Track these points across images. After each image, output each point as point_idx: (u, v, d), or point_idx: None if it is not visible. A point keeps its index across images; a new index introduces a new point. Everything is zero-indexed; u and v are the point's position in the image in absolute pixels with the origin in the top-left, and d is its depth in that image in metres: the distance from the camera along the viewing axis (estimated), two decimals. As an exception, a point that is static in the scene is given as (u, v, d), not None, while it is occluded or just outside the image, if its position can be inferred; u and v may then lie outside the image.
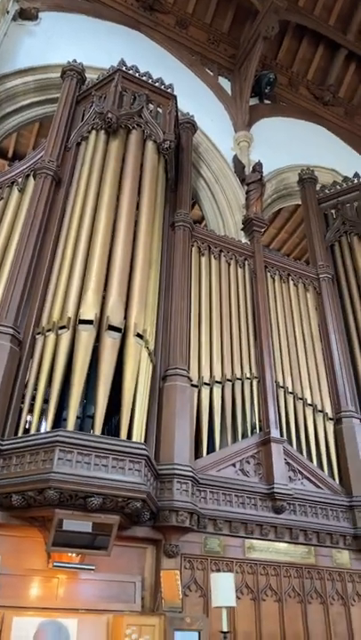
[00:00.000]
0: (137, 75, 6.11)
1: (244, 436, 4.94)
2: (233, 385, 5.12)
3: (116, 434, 3.69)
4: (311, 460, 5.11)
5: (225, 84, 8.98)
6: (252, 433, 4.98)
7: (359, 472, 5.06)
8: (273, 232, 12.50)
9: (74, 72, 6.27)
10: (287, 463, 4.84)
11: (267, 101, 9.39)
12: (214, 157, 7.72)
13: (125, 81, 5.96)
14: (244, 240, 6.68)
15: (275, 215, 11.99)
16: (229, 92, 8.88)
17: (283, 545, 4.36)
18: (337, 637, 4.15)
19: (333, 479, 5.09)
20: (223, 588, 3.09)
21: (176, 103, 6.32)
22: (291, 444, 5.08)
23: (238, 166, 7.67)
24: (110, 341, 3.95)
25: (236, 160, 7.79)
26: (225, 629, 3.03)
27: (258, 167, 7.37)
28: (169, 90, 6.30)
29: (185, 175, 6.41)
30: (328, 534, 4.59)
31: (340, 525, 4.70)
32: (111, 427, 4.05)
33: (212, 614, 3.53)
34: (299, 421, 5.30)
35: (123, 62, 6.08)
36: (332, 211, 7.58)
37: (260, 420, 5.07)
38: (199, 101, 8.18)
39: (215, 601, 3.12)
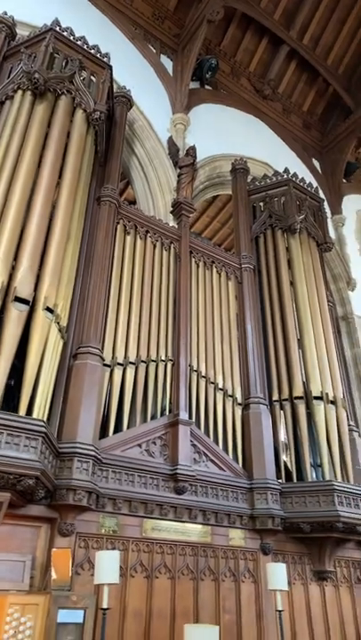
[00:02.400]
0: (71, 38, 5.82)
1: (154, 417, 4.96)
2: (147, 366, 5.10)
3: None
4: (217, 443, 5.23)
5: (167, 63, 8.82)
6: (161, 415, 5.01)
7: (261, 456, 5.26)
8: (206, 220, 12.62)
9: (3, 25, 5.85)
10: (193, 445, 4.93)
11: (207, 87, 9.35)
12: (149, 136, 7.58)
13: (58, 42, 5.66)
14: (172, 223, 6.64)
15: (209, 203, 12.11)
16: (170, 72, 8.73)
17: (181, 524, 4.45)
18: (225, 612, 4.33)
19: (237, 462, 5.26)
20: (107, 566, 3.08)
21: (111, 73, 6.11)
22: (199, 426, 5.17)
23: (173, 148, 7.59)
24: (16, 313, 3.77)
25: (170, 142, 7.69)
26: (104, 606, 3.02)
27: (192, 151, 7.34)
28: (105, 59, 6.07)
29: (116, 150, 6.23)
30: (226, 514, 4.75)
31: (238, 506, 4.87)
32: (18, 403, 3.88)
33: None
34: (209, 405, 5.40)
35: (57, 22, 5.76)
36: (261, 203, 7.73)
37: (170, 403, 5.11)
38: (138, 77, 7.98)
39: (98, 578, 3.11)
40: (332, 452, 5.54)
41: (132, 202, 7.98)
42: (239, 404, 5.72)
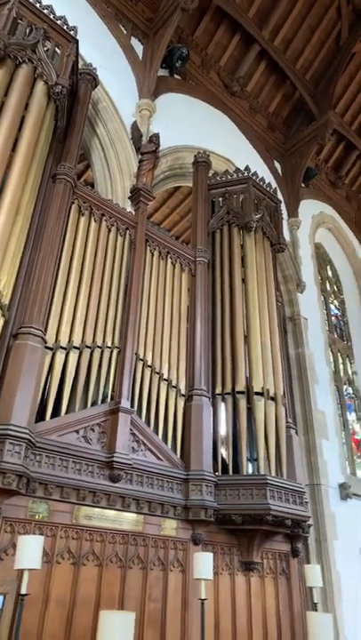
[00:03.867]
0: (37, 5, 5.57)
1: (95, 404, 4.88)
2: (92, 352, 5.00)
3: None
4: (158, 433, 5.22)
5: (137, 46, 8.64)
6: (102, 402, 4.93)
7: (199, 448, 5.31)
8: (166, 211, 12.56)
9: None
10: (133, 434, 4.89)
11: (176, 76, 9.27)
12: (113, 119, 7.41)
13: (23, 8, 5.40)
14: (129, 209, 6.53)
15: (169, 194, 12.07)
16: (140, 56, 8.57)
17: (113, 512, 4.41)
18: (151, 600, 4.34)
19: (175, 453, 5.27)
20: (29, 551, 3.00)
21: (77, 48, 5.91)
22: (140, 415, 5.14)
23: (136, 134, 7.47)
24: None
25: (134, 127, 7.56)
26: (23, 592, 2.95)
27: (155, 139, 7.24)
28: (72, 32, 5.86)
29: (77, 128, 6.04)
30: (160, 504, 4.75)
31: (173, 496, 4.90)
32: None
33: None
34: (152, 395, 5.38)
35: (22, -15, 5.48)
36: (220, 199, 7.75)
37: (113, 391, 5.04)
38: (106, 57, 7.77)
39: (18, 563, 3.02)
40: (268, 448, 5.67)
41: (91, 185, 7.80)
42: (182, 396, 5.73)
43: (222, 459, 5.69)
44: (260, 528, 5.16)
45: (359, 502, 8.33)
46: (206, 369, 6.10)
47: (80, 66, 6.45)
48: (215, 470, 5.47)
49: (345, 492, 7.94)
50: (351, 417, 10.61)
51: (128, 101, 7.84)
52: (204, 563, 3.80)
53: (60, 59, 5.63)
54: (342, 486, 8.01)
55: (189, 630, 4.38)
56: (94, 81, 6.61)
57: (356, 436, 10.46)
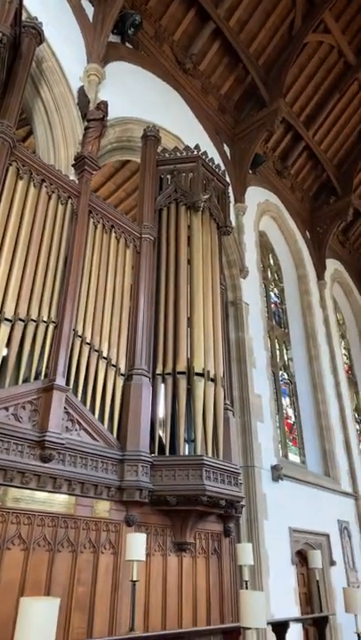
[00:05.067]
0: None
1: (27, 381, 4.58)
2: (25, 326, 4.68)
3: None
4: (94, 413, 5.02)
5: (87, 7, 8.17)
6: (35, 379, 4.65)
7: (137, 428, 5.17)
8: (112, 187, 12.20)
9: None
10: (67, 412, 4.66)
11: (128, 45, 8.88)
12: (59, 81, 6.96)
13: None
14: (72, 178, 6.17)
15: (116, 170, 11.70)
16: (90, 18, 8.10)
17: (43, 494, 4.18)
18: (80, 584, 4.18)
19: (112, 433, 5.10)
20: None
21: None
22: (76, 394, 4.91)
23: (83, 100, 7.08)
24: None
25: (81, 92, 7.17)
26: None
27: (103, 106, 6.88)
28: (15, -23, 5.36)
29: (18, 85, 5.57)
30: (93, 485, 4.58)
31: (107, 477, 4.73)
32: None
33: None
34: (90, 373, 5.15)
35: None
36: (168, 176, 7.54)
37: (47, 368, 4.76)
38: (54, 14, 7.29)
39: None
40: (206, 429, 5.64)
41: (33, 151, 7.32)
42: (122, 375, 5.55)
43: (160, 439, 5.59)
44: (195, 509, 5.13)
45: (290, 484, 8.61)
46: (148, 348, 5.95)
47: (24, 18, 5.96)
48: (152, 451, 5.36)
49: (277, 473, 8.17)
50: (285, 401, 10.94)
51: (75, 65, 7.40)
52: (136, 544, 3.70)
53: (2, 4, 5.14)
54: (275, 468, 8.22)
55: (119, 612, 4.28)
56: (39, 36, 6.12)
57: (288, 420, 10.81)
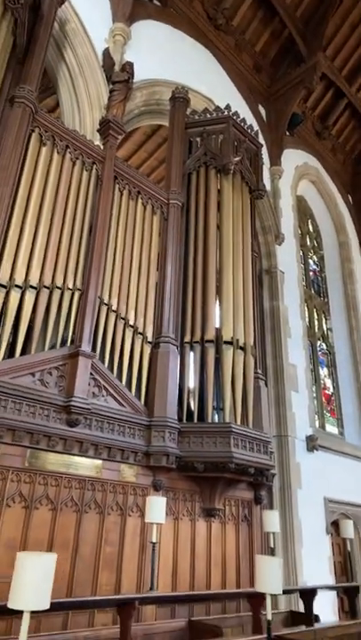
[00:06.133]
0: None
1: (54, 348, 4.62)
2: (50, 293, 4.70)
3: None
4: (121, 380, 5.03)
5: None
6: (62, 346, 4.68)
7: (164, 395, 5.16)
8: (144, 155, 11.98)
9: None
10: (94, 379, 4.69)
11: (156, 2, 8.52)
12: (83, 43, 6.78)
13: None
14: (98, 143, 6.06)
15: (147, 137, 11.50)
16: (115, -27, 7.78)
17: (69, 457, 4.26)
18: (107, 544, 4.28)
19: (139, 400, 5.11)
20: None
21: None
22: (103, 361, 4.93)
23: (108, 62, 6.88)
24: None
25: (106, 54, 6.96)
26: None
27: (128, 67, 6.68)
28: None
29: (39, 48, 5.45)
30: (120, 450, 4.62)
31: (134, 442, 4.76)
32: None
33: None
34: (116, 341, 5.14)
35: None
36: (198, 139, 7.28)
37: (73, 334, 4.78)
38: (77, -28, 7.01)
39: None
40: (235, 397, 5.56)
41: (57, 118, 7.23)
42: (149, 343, 5.52)
43: (188, 407, 5.56)
44: (223, 475, 5.11)
45: (325, 454, 8.45)
46: (175, 316, 5.88)
47: (44, -23, 5.77)
48: (180, 419, 5.34)
49: (312, 444, 8.02)
50: (323, 372, 10.66)
51: (100, 25, 7.18)
52: (156, 506, 3.71)
53: None
54: (310, 438, 8.08)
55: (146, 572, 4.35)
56: (61, -4, 5.95)
57: (326, 391, 10.55)
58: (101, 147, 5.95)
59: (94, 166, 5.70)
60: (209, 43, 9.66)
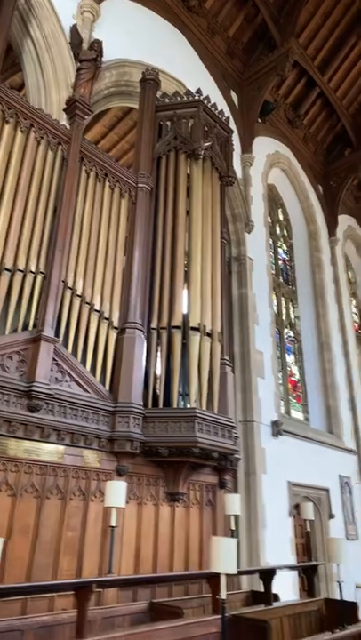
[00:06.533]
0: None
1: (15, 332, 4.52)
2: (12, 276, 4.58)
3: None
4: (86, 365, 4.97)
5: None
6: (24, 330, 4.58)
7: (129, 381, 5.14)
8: (114, 138, 11.78)
9: None
10: (57, 364, 4.62)
11: (127, -21, 8.28)
12: (49, 17, 6.55)
13: None
14: (64, 123, 5.89)
15: (118, 119, 11.26)
16: None
17: (31, 443, 4.20)
18: (69, 529, 4.26)
19: (104, 385, 5.07)
20: None
21: None
22: (67, 346, 4.85)
23: (75, 38, 6.67)
24: None
25: (74, 30, 6.74)
26: None
27: (96, 46, 6.50)
28: None
29: (3, 20, 5.24)
30: (83, 435, 4.59)
31: (98, 428, 4.74)
32: None
33: None
34: (81, 326, 5.07)
35: None
36: (168, 122, 7.17)
37: (36, 319, 4.69)
38: None
39: None
40: (201, 383, 5.58)
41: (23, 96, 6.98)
42: (115, 328, 5.47)
43: (154, 393, 5.55)
44: (187, 460, 5.15)
45: (290, 439, 8.62)
46: (142, 302, 5.83)
47: None
48: (146, 404, 5.33)
49: (277, 429, 8.17)
50: (290, 359, 10.84)
51: (68, 0, 6.93)
52: (115, 491, 3.71)
53: None
54: (275, 424, 8.22)
55: (108, 557, 4.35)
56: (26, -34, 5.71)
57: (293, 378, 10.74)
58: (68, 127, 5.79)
59: (60, 147, 5.55)
60: (181, 25, 9.49)
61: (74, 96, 5.96)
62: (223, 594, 2.85)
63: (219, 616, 3.03)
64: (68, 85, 6.39)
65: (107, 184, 6.03)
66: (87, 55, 6.28)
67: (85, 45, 6.65)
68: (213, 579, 3.25)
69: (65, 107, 6.01)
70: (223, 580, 2.85)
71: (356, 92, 13.37)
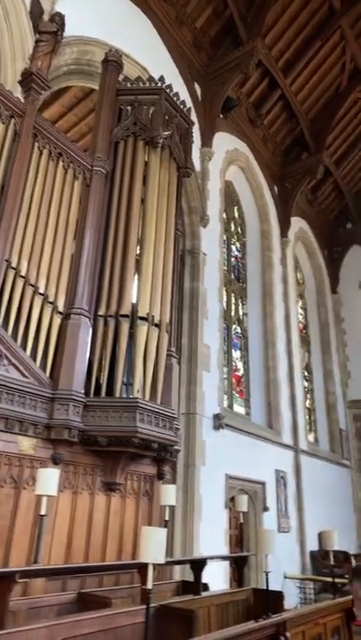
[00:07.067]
0: None
1: None
2: None
3: None
4: (26, 350, 4.80)
5: None
6: None
7: (72, 368, 5.01)
8: (73, 119, 11.45)
9: None
10: (-6, 347, 4.42)
11: None
12: (8, -18, 6.22)
13: None
14: (18, 95, 5.63)
15: (78, 100, 10.95)
16: None
17: None
18: (-1, 518, 4.11)
19: (45, 371, 4.92)
20: None
21: None
22: (7, 329, 4.66)
23: (36, 9, 6.40)
24: None
25: (35, 1, 6.44)
26: None
27: (58, 19, 6.27)
28: None
29: None
30: (19, 421, 4.43)
31: (35, 415, 4.59)
32: None
33: None
34: (23, 308, 4.88)
35: None
36: (128, 107, 7.00)
37: (-25, 299, 4.47)
38: None
39: None
40: (146, 373, 5.54)
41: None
42: (60, 313, 5.31)
43: (97, 381, 5.45)
44: (126, 450, 5.11)
45: (231, 433, 8.78)
46: (90, 288, 5.70)
47: None
48: (88, 393, 5.23)
49: (218, 422, 8.29)
50: (236, 354, 11.02)
51: (31, -33, 6.62)
52: (46, 478, 3.62)
53: None
54: (216, 417, 8.34)
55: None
56: None
57: (237, 373, 10.94)
58: (22, 100, 5.53)
59: (12, 120, 5.30)
60: (148, 10, 9.33)
61: (30, 68, 5.70)
62: (150, 584, 2.85)
63: (144, 606, 3.02)
64: (24, 57, 6.13)
65: (60, 164, 5.83)
66: (47, 27, 6.04)
67: (46, 17, 6.38)
68: (143, 569, 3.23)
69: (20, 79, 5.74)
70: (150, 570, 2.85)
71: (315, 98, 13.70)
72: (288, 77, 12.53)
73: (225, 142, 11.39)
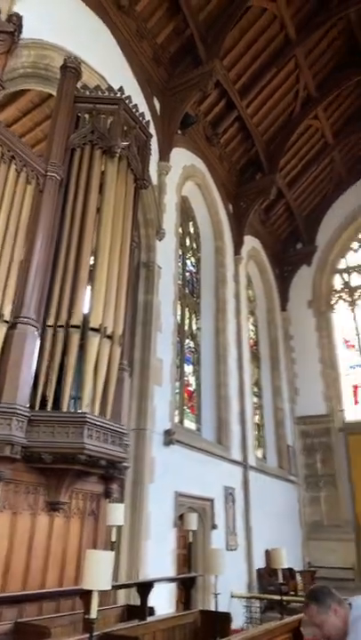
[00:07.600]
0: None
1: None
2: None
3: None
4: (-32, 360, 4.50)
5: None
6: None
7: (16, 380, 4.74)
8: (29, 125, 11.15)
9: None
10: None
11: None
12: (-36, -23, 5.99)
13: None
14: (-30, 94, 5.39)
15: (35, 105, 10.69)
16: None
17: None
18: None
19: (-13, 383, 4.62)
20: None
21: None
22: None
23: (-7, 7, 6.17)
24: None
25: (-7, -2, 6.24)
26: None
27: (16, 19, 6.05)
28: None
29: None
30: None
31: (-27, 430, 4.28)
32: None
33: None
34: (-34, 315, 4.59)
35: None
36: (86, 115, 6.88)
37: None
38: None
39: None
40: (96, 386, 5.34)
41: None
42: (5, 322, 5.03)
43: (43, 395, 5.19)
44: (72, 467, 4.87)
45: (181, 449, 8.65)
46: (39, 297, 5.46)
47: None
48: (33, 406, 4.96)
49: (169, 438, 8.15)
50: (188, 369, 10.97)
51: (-11, -35, 6.43)
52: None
53: None
54: (167, 433, 8.20)
55: (-28, 574, 3.92)
56: None
57: (189, 388, 10.87)
58: (-26, 98, 5.29)
59: None
60: (110, 21, 9.30)
61: (-16, 66, 5.48)
62: (93, 612, 2.66)
63: (87, 635, 2.81)
64: (-21, 55, 5.86)
65: (12, 166, 5.60)
66: (4, 27, 5.83)
67: (3, 17, 6.18)
68: (85, 595, 3.03)
69: (-27, 77, 5.50)
70: (95, 598, 2.66)
71: (270, 121, 14.15)
72: (244, 100, 12.86)
73: (182, 158, 11.48)
